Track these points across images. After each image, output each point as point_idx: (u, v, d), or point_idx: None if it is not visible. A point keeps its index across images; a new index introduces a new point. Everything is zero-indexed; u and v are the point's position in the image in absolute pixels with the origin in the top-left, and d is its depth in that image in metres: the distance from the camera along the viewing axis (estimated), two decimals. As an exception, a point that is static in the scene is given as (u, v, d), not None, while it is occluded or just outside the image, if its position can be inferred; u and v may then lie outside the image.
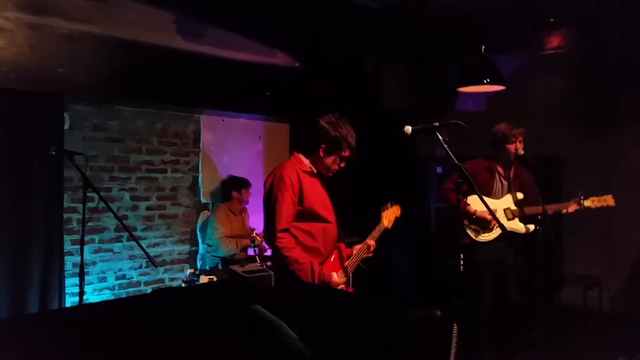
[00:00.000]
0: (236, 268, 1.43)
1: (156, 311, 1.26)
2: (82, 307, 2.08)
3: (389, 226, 3.00)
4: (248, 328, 1.04)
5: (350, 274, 2.80)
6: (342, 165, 2.72)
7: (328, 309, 1.28)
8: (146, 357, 1.05)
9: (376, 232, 2.92)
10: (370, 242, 2.85)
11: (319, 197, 2.68)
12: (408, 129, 2.49)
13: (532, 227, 3.55)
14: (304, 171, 2.66)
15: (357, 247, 2.85)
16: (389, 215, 3.03)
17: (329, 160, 2.67)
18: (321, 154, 2.66)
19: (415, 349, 1.12)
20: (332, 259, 2.73)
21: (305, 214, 2.60)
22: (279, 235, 2.52)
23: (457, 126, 2.46)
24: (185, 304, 1.32)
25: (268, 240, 2.62)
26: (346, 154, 2.67)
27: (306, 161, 2.72)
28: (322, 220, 2.66)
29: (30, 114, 3.76)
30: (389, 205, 3.07)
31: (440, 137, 2.38)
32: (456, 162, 2.33)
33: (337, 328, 1.13)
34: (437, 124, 2.33)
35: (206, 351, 1.03)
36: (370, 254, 2.85)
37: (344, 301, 1.43)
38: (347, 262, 2.78)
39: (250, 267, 1.31)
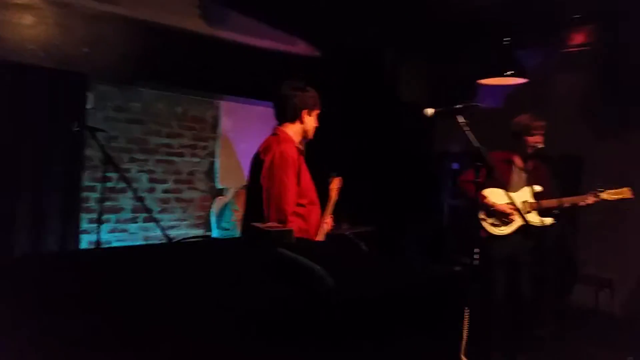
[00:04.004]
0: (258, 224, 1.46)
1: (178, 260, 1.29)
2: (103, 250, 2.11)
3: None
4: (276, 267, 1.07)
5: None
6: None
7: (348, 260, 1.30)
8: (175, 306, 1.07)
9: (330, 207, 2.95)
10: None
11: (308, 177, 2.68)
12: (429, 111, 2.51)
13: (549, 220, 3.50)
14: (296, 148, 2.68)
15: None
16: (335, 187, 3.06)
17: (312, 120, 2.74)
18: (305, 117, 2.70)
19: (432, 306, 1.14)
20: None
21: (301, 195, 2.59)
22: (291, 219, 2.49)
23: (475, 115, 2.48)
24: (211, 253, 1.35)
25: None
26: (320, 108, 2.76)
27: (295, 135, 2.71)
28: (312, 202, 2.66)
29: (55, 91, 3.83)
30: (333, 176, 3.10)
31: (461, 120, 2.39)
32: (477, 144, 2.34)
33: (358, 276, 1.15)
34: (460, 105, 2.35)
35: (237, 294, 1.05)
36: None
37: (367, 256, 1.45)
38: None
39: (271, 224, 1.34)
